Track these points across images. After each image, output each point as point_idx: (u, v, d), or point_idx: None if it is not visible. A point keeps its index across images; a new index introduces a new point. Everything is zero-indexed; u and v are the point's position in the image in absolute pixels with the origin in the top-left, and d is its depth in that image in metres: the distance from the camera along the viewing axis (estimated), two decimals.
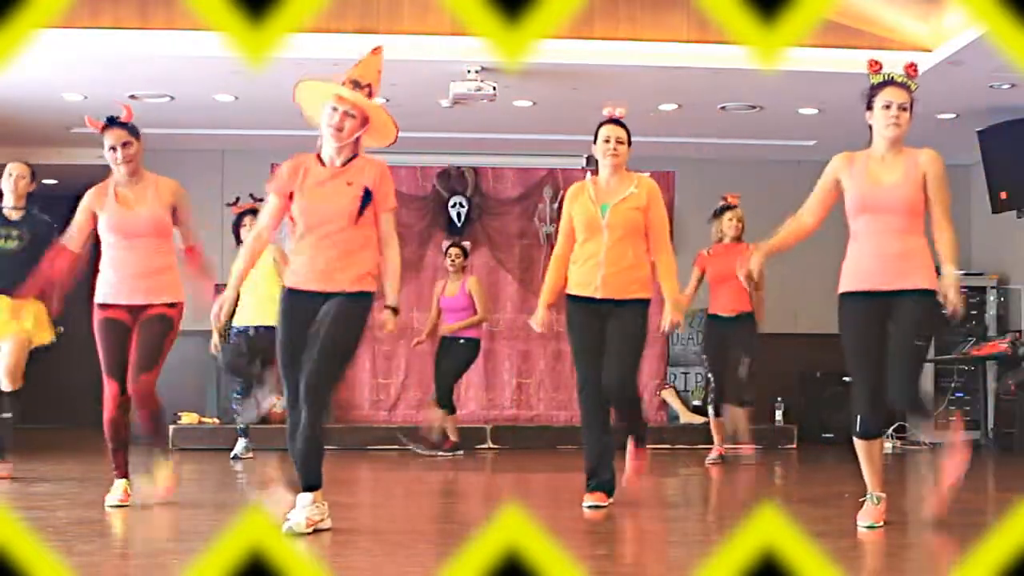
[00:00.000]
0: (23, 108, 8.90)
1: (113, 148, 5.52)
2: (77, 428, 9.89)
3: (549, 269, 5.75)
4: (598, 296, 5.51)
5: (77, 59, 7.61)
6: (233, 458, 8.28)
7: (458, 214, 10.62)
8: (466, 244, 9.42)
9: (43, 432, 10.29)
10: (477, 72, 7.72)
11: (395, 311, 4.76)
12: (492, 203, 10.73)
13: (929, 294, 4.74)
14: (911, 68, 4.85)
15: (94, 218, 5.57)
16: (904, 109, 4.75)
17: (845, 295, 4.84)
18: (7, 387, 6.71)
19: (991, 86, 7.97)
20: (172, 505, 5.71)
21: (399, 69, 7.79)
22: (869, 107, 4.82)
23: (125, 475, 5.63)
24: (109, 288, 5.56)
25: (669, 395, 10.50)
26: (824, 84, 8.13)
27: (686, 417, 10.23)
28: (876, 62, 4.86)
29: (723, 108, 8.95)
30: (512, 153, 10.60)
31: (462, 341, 8.88)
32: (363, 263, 4.71)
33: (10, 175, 6.80)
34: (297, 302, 4.72)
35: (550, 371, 10.68)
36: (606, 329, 5.54)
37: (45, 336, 6.79)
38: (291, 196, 4.75)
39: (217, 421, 9.62)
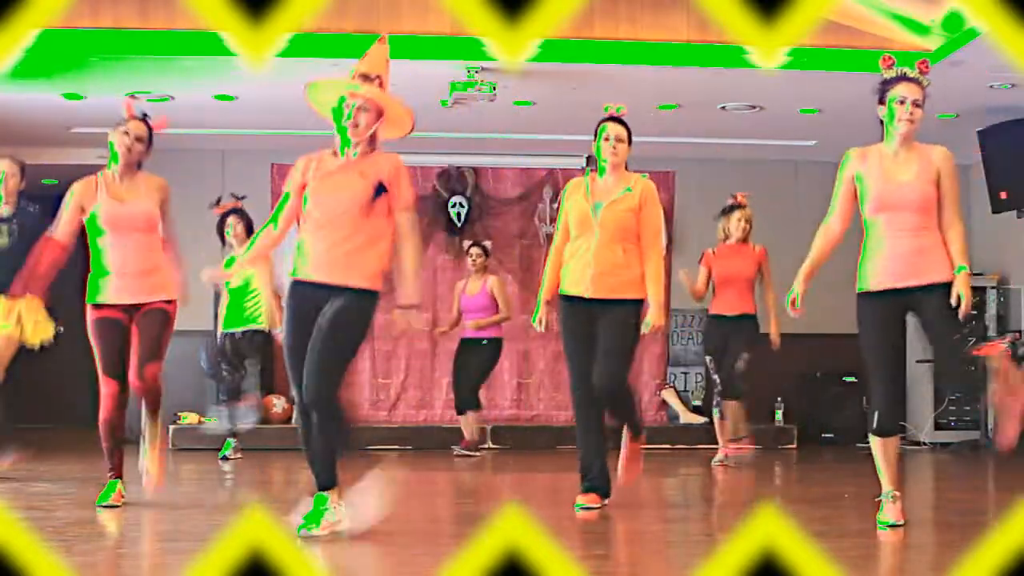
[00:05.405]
0: (23, 108, 8.89)
1: (127, 133, 5.55)
2: (76, 428, 9.88)
3: (547, 266, 5.75)
4: (587, 295, 5.50)
5: (77, 59, 7.61)
6: (222, 459, 8.28)
7: (458, 214, 10.61)
8: (487, 244, 9.46)
9: (42, 432, 10.28)
10: (477, 72, 7.72)
11: (412, 308, 4.67)
12: (492, 203, 10.72)
13: (948, 287, 4.73)
14: (923, 64, 4.88)
15: (82, 211, 5.53)
16: (918, 105, 4.78)
17: (865, 294, 4.83)
18: None
19: (991, 86, 7.97)
20: (172, 505, 5.71)
21: (399, 69, 7.77)
22: (881, 101, 4.83)
23: (119, 475, 5.61)
24: (104, 288, 5.51)
25: (669, 395, 10.50)
26: (824, 84, 8.12)
27: (686, 417, 10.23)
28: (889, 57, 4.89)
29: (723, 108, 8.95)
30: (512, 153, 10.59)
31: (485, 342, 8.88)
32: (371, 260, 4.61)
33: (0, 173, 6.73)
34: (303, 294, 4.62)
35: (550, 371, 10.67)
36: (597, 329, 5.52)
37: (43, 333, 6.76)
38: (304, 189, 4.68)
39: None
